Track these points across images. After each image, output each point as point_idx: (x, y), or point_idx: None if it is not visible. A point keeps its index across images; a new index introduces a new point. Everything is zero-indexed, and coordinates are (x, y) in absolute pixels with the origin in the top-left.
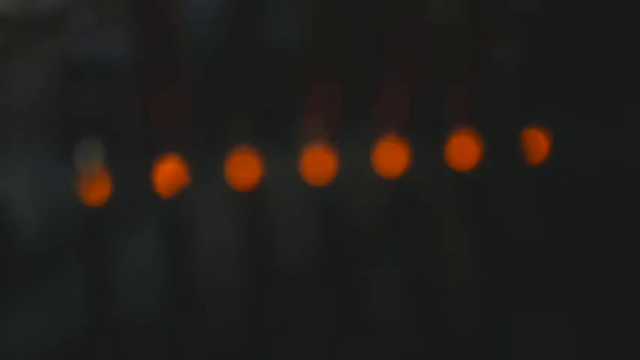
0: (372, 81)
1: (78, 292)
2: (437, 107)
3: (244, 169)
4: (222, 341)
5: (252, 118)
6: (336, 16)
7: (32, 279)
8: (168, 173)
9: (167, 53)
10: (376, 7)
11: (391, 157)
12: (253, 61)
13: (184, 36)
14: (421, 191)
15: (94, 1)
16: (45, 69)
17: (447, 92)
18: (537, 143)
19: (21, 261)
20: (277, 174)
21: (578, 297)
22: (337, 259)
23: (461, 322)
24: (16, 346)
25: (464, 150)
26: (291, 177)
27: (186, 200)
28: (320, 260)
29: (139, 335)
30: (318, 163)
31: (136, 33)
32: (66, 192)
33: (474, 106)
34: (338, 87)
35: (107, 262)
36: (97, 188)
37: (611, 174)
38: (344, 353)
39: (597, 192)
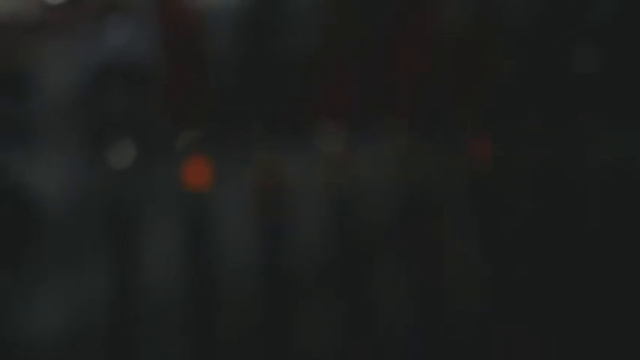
0: (386, 85)
1: (99, 281)
2: (450, 110)
3: (262, 170)
4: (236, 335)
5: (272, 121)
6: (352, 22)
7: (59, 266)
8: (192, 172)
9: (191, 57)
10: (390, 13)
11: (403, 160)
12: (273, 65)
13: (208, 41)
14: (435, 194)
15: (124, 4)
16: (76, 69)
17: (460, 96)
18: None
19: (47, 247)
20: (295, 175)
21: (591, 300)
22: (353, 259)
23: (469, 324)
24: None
25: (474, 153)
26: (309, 178)
27: (208, 199)
28: (336, 260)
29: (157, 329)
30: (334, 165)
31: (162, 36)
32: (95, 187)
33: (486, 109)
34: (353, 91)
35: (129, 258)
36: (124, 184)
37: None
38: (354, 353)
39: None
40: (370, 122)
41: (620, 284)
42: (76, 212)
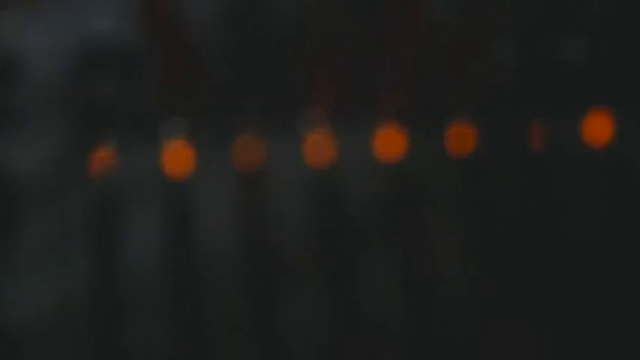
0: (373, 68)
1: (80, 267)
2: (437, 95)
3: (248, 152)
4: (220, 323)
5: (257, 103)
6: (341, 11)
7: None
8: (175, 156)
9: (176, 40)
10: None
11: (391, 143)
12: (258, 47)
13: (194, 23)
14: (420, 178)
15: None
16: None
17: (447, 80)
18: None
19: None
20: (279, 158)
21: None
22: (338, 243)
23: (460, 318)
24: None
25: (462, 138)
26: (293, 161)
27: (191, 182)
28: (320, 244)
29: (139, 312)
30: (320, 147)
31: (147, 19)
32: (75, 171)
33: (474, 95)
34: (340, 73)
35: (111, 242)
36: (105, 168)
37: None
38: (342, 340)
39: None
40: (357, 110)
41: (619, 285)
42: (58, 198)
